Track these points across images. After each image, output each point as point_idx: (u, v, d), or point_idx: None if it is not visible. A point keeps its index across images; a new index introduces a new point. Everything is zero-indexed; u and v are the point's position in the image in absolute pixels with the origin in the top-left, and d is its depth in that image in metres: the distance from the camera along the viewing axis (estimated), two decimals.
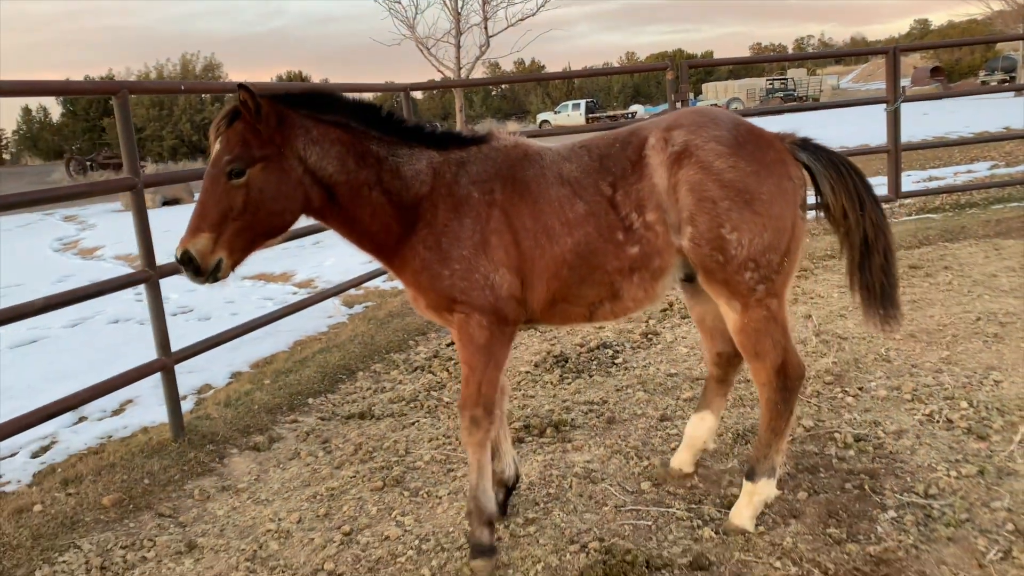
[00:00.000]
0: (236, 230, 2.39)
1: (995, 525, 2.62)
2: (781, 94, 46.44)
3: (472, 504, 2.71)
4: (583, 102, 47.18)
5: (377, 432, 4.02)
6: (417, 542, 2.92)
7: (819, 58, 46.19)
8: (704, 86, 54.39)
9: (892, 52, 6.80)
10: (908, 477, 3.00)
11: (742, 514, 2.73)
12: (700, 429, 3.11)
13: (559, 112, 47.88)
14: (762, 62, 54.78)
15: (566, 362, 4.77)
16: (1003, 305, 4.87)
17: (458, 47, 13.92)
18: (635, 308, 2.71)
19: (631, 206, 2.54)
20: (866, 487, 2.95)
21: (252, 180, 2.39)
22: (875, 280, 2.64)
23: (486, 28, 14.09)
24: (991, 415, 3.42)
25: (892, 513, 2.77)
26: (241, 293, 8.15)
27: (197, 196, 2.61)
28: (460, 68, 13.99)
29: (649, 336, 5.10)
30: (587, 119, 44.30)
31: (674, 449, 3.34)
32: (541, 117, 49.75)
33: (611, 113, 46.30)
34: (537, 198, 2.58)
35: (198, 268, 2.36)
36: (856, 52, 30.09)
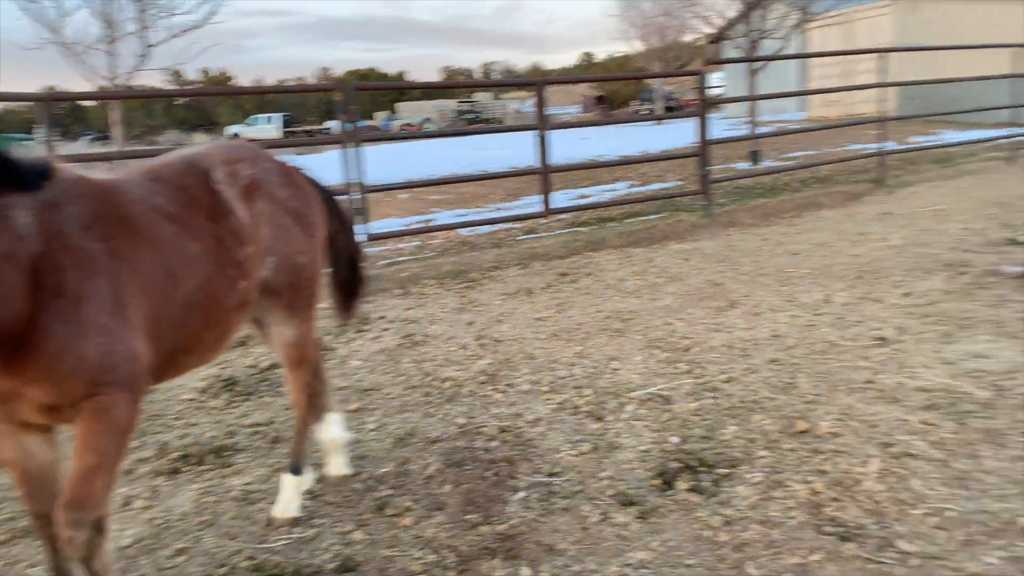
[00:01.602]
0: None
1: (599, 492, 3.09)
2: (470, 116, 49.29)
3: None
4: (278, 116, 45.81)
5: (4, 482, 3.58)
6: None
7: (469, 87, 50.28)
8: (399, 105, 55.78)
9: (539, 85, 7.65)
10: (538, 460, 3.41)
11: (291, 505, 3.04)
12: (331, 430, 3.35)
13: (251, 125, 45.96)
14: (415, 88, 57.56)
15: (235, 385, 4.65)
16: (627, 304, 5.71)
17: (111, 55, 12.74)
18: (229, 344, 2.81)
19: (233, 240, 2.56)
20: (503, 473, 3.31)
21: None
22: (348, 288, 3.43)
23: (144, 37, 13.07)
24: (607, 398, 4.01)
25: (522, 494, 3.13)
26: None
27: None
28: (115, 78, 12.82)
29: (323, 352, 5.15)
30: (284, 133, 43.18)
31: (355, 460, 3.45)
32: (231, 130, 47.34)
33: (308, 128, 45.57)
34: (152, 240, 2.29)
35: None
36: (509, 83, 33.10)
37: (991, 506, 2.69)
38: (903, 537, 2.58)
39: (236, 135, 45.15)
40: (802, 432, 3.40)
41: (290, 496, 3.07)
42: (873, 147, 11.25)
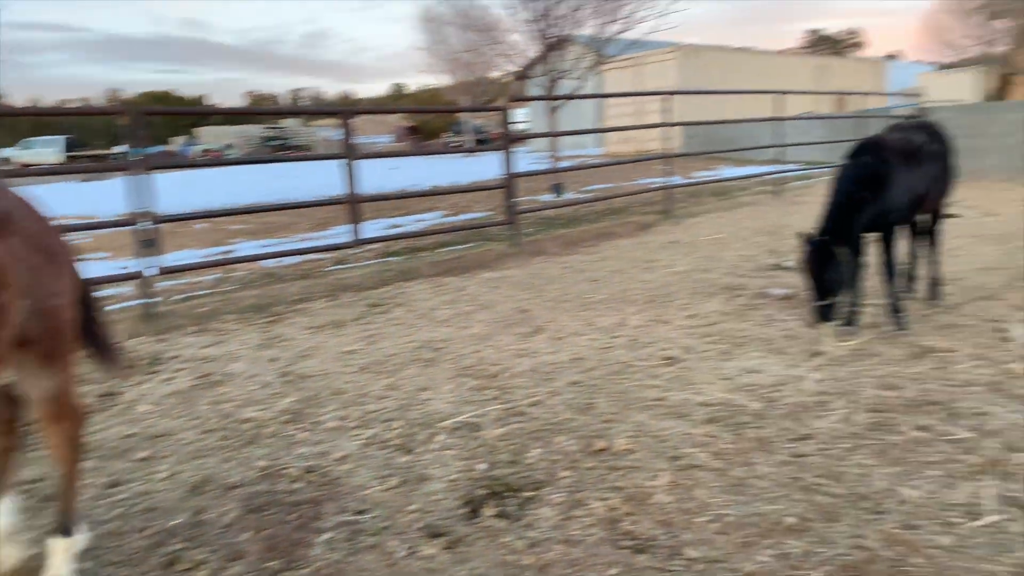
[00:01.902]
0: None
1: (407, 526, 3.05)
2: (277, 142, 47.67)
3: None
4: (59, 139, 41.77)
5: None
6: None
7: (271, 114, 49.36)
8: (199, 130, 52.82)
9: (345, 113, 7.58)
10: (345, 499, 3.32)
11: (63, 571, 2.72)
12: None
13: (27, 148, 41.55)
14: (215, 113, 55.73)
15: None
16: (439, 334, 5.74)
17: None
18: None
19: None
20: (307, 516, 3.18)
21: None
22: (99, 336, 3.05)
23: None
24: (417, 430, 4.00)
25: (328, 535, 3.02)
26: None
27: None
28: None
29: (107, 397, 4.72)
30: (67, 158, 39.45)
31: (143, 513, 3.16)
32: (2, 153, 42.52)
33: (95, 152, 41.93)
34: None
35: None
36: (314, 111, 32.71)
37: (763, 508, 2.98)
38: (690, 544, 2.77)
39: (7, 159, 40.70)
40: (600, 451, 3.58)
41: (61, 561, 2.76)
42: (661, 181, 12.20)
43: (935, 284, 5.91)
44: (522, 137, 14.88)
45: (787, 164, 15.23)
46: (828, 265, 4.91)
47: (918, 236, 6.02)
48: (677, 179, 12.61)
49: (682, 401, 4.15)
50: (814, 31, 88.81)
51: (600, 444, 3.63)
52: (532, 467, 3.46)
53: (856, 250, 5.13)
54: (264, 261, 8.69)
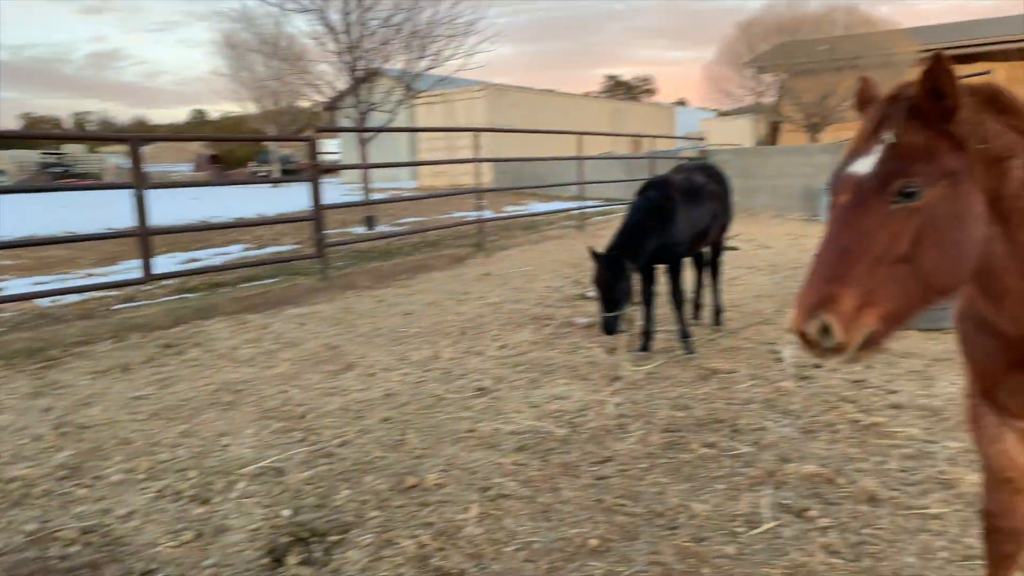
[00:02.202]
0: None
1: None
2: (58, 170, 43.37)
3: None
4: None
5: None
6: None
7: (50, 138, 45.69)
8: None
9: (133, 141, 7.04)
10: (130, 559, 3.02)
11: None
12: None
13: None
14: None
15: None
16: (240, 374, 5.43)
17: None
18: None
19: None
20: None
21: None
22: None
23: None
24: (215, 479, 3.73)
25: None
26: None
27: None
28: None
29: None
30: None
31: None
32: None
33: None
34: None
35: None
36: (96, 136, 30.22)
37: (568, 532, 3.06)
38: (499, 575, 2.79)
39: None
40: (411, 487, 3.53)
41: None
42: (474, 215, 12.44)
43: (718, 311, 6.49)
44: (332, 168, 14.59)
45: (589, 200, 16.12)
46: (617, 278, 5.32)
47: (703, 267, 6.59)
48: (489, 213, 12.92)
49: (493, 431, 4.20)
50: (612, 77, 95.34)
51: (411, 481, 3.58)
52: (340, 509, 3.34)
53: (647, 277, 5.62)
54: (38, 300, 7.80)
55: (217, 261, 11.03)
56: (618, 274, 5.31)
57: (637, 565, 2.80)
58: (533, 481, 3.56)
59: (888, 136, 1.61)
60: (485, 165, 25.43)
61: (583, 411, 4.49)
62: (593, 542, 2.96)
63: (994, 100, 1.66)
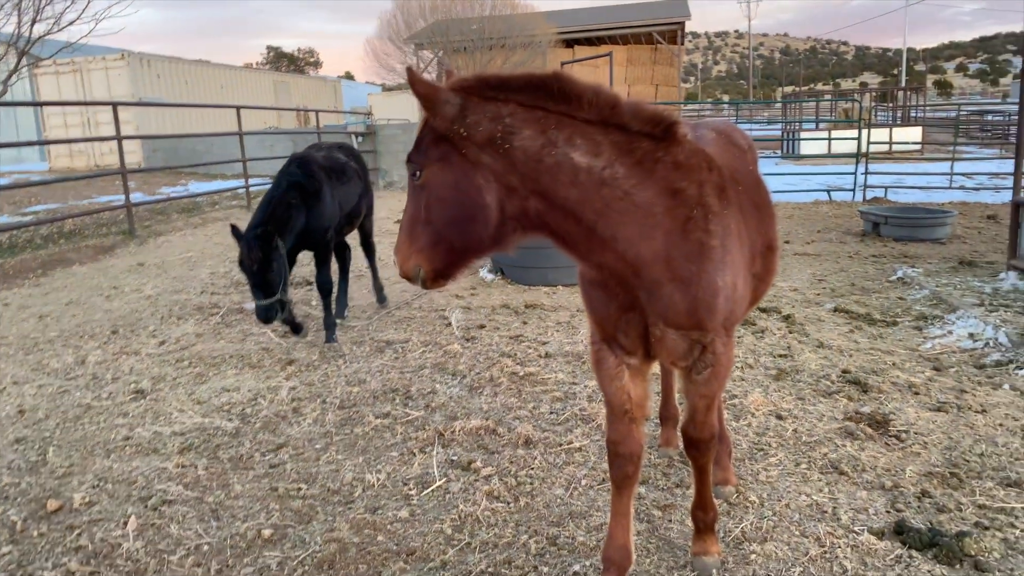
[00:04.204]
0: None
1: None
2: None
3: None
4: None
5: None
6: None
7: None
8: None
9: None
10: None
11: None
12: None
13: None
14: None
15: None
16: None
17: None
18: None
19: None
20: None
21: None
22: None
23: None
24: None
25: None
26: None
27: None
28: None
29: None
30: None
31: None
32: None
33: None
34: None
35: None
36: None
37: (240, 528, 2.95)
38: None
39: None
40: (55, 511, 3.13)
41: None
42: (121, 199, 11.17)
43: (379, 290, 6.52)
44: None
45: (255, 178, 15.35)
46: (268, 257, 4.68)
47: (364, 248, 6.52)
48: (139, 196, 11.69)
49: (153, 435, 3.87)
50: (274, 48, 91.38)
51: (54, 504, 3.17)
52: None
53: (289, 263, 5.05)
54: None
55: None
56: (269, 253, 4.68)
57: (312, 546, 2.80)
58: (200, 481, 3.36)
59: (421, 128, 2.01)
60: (133, 143, 22.85)
61: (255, 400, 4.33)
62: (267, 532, 2.90)
63: (482, 87, 1.96)
